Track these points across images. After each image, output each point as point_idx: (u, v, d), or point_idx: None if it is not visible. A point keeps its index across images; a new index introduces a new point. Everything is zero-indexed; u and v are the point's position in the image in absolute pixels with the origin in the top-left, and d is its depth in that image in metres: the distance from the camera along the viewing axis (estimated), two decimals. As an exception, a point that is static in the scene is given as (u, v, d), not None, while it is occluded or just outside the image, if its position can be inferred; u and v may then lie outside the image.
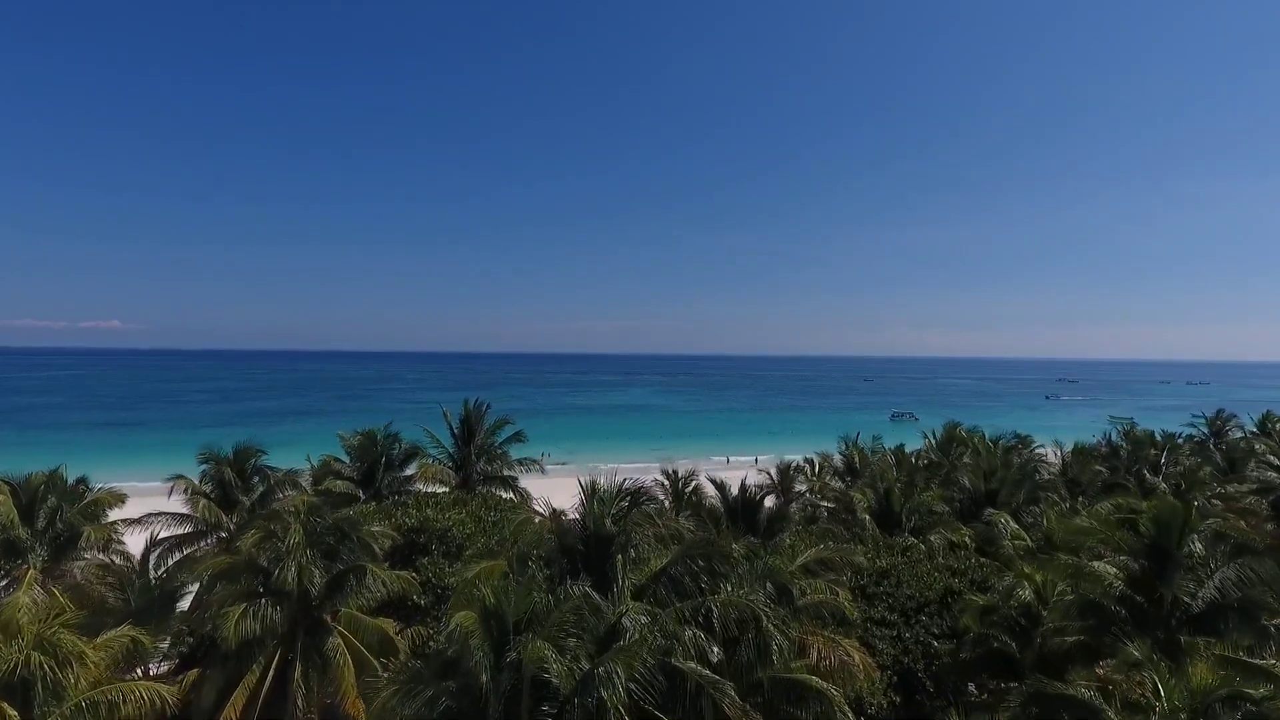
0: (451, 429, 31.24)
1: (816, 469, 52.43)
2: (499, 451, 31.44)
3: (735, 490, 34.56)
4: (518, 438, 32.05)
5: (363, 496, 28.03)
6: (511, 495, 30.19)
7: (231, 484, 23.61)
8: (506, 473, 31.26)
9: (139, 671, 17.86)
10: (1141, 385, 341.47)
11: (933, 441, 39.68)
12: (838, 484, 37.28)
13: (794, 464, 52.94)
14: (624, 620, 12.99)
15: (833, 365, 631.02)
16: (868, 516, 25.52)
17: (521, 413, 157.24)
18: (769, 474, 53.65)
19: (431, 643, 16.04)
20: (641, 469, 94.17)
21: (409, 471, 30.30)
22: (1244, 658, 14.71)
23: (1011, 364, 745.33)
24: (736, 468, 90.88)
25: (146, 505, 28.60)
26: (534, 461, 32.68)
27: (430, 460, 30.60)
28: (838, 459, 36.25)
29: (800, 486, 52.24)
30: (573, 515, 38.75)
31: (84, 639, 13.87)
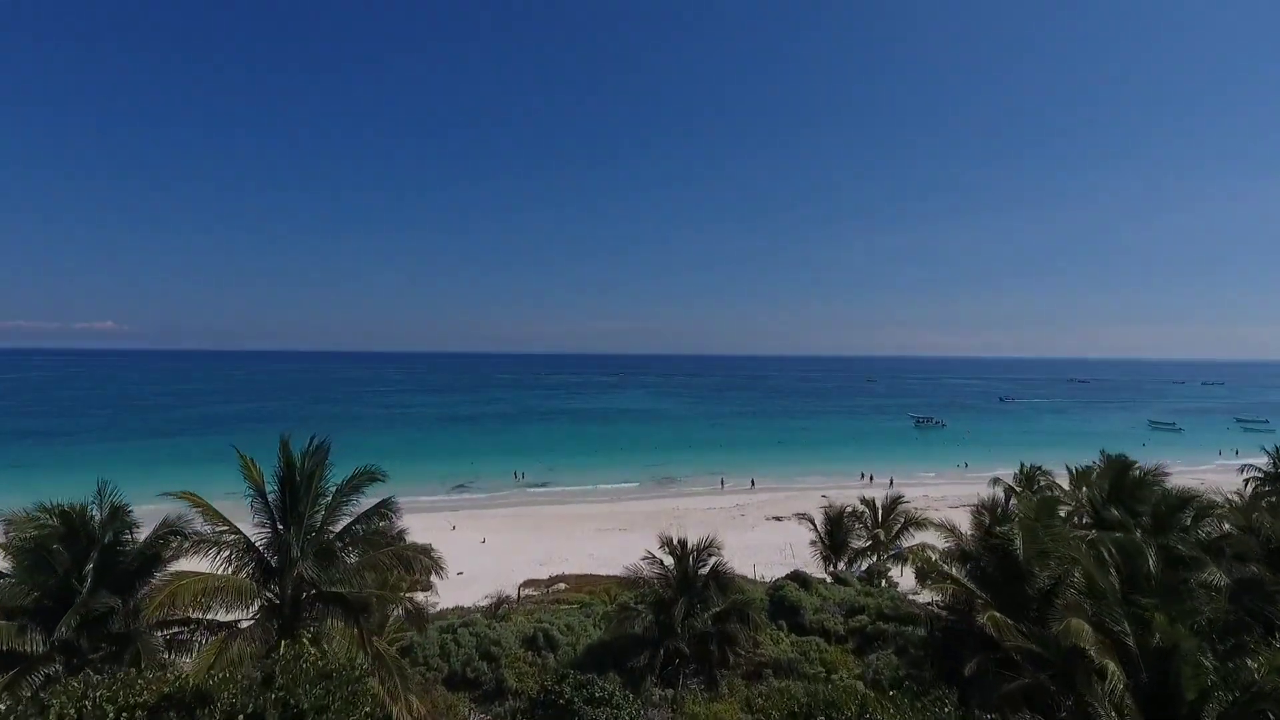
0: (261, 493, 16.45)
1: (880, 513, 37.68)
2: (348, 539, 16.41)
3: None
4: (382, 514, 17.14)
5: (42, 648, 13.38)
6: (364, 638, 14.93)
7: None
8: (360, 587, 15.97)
9: None
10: (1154, 386, 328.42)
11: (1096, 495, 24.88)
12: (948, 547, 22.59)
13: (847, 509, 38.31)
14: None
15: (833, 365, 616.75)
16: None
17: (504, 418, 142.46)
18: (811, 524, 39.24)
19: None
20: (632, 490, 79.77)
21: (163, 575, 15.16)
22: None
23: (1012, 364, 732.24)
24: (732, 492, 75.96)
25: None
26: (422, 553, 17.65)
27: (219, 553, 15.64)
28: (967, 529, 21.48)
29: (858, 541, 37.76)
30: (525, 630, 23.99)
31: None
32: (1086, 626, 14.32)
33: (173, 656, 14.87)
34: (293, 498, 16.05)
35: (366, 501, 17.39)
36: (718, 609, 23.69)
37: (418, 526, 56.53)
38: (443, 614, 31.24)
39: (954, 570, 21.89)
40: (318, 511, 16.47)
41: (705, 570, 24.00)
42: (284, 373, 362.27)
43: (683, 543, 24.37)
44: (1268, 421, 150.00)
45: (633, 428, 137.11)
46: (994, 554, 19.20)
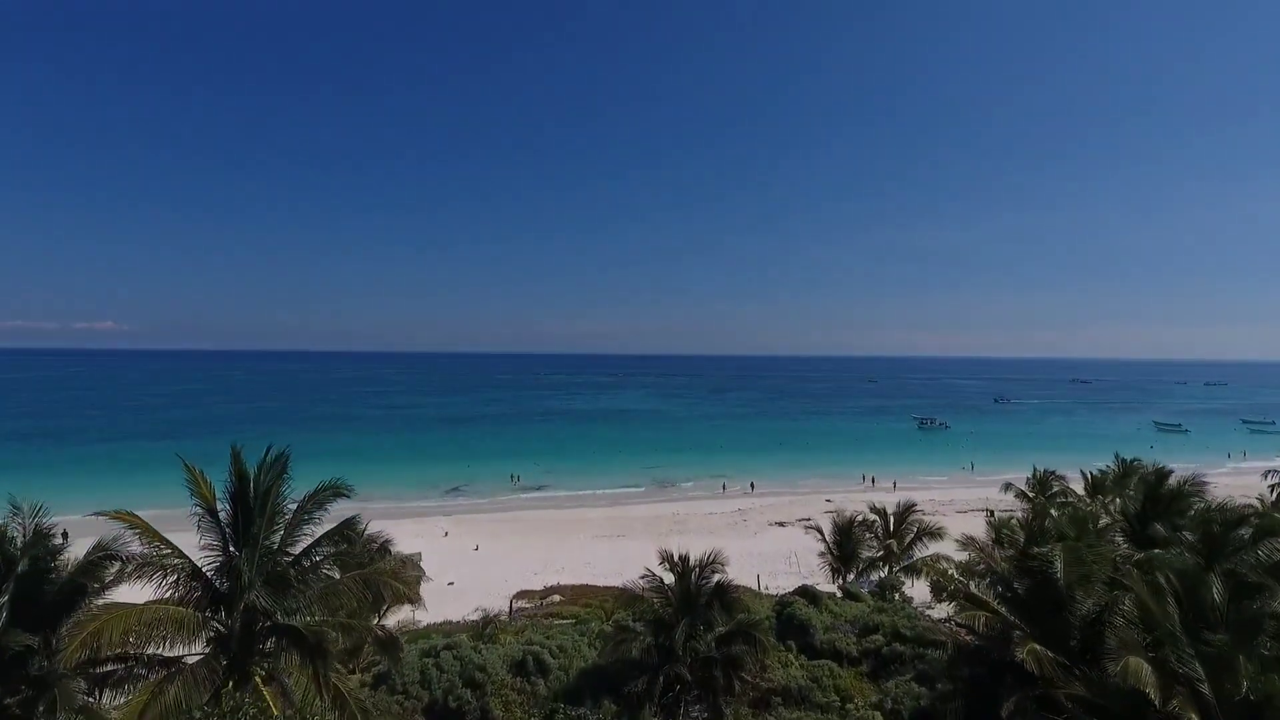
0: (211, 510, 14.73)
1: (891, 522, 35.88)
2: (308, 563, 14.55)
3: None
4: (346, 536, 15.27)
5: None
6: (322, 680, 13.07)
7: None
8: (323, 615, 14.17)
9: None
10: (1157, 386, 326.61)
11: (1130, 507, 22.82)
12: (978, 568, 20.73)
13: (857, 518, 36.52)
14: None
15: (833, 365, 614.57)
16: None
17: (502, 419, 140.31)
18: (819, 533, 37.39)
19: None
20: (631, 494, 77.56)
21: (92, 607, 13.36)
22: None
23: (1013, 364, 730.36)
24: (733, 496, 73.80)
25: None
26: (393, 578, 15.64)
27: (165, 577, 13.88)
28: (982, 536, 19.63)
29: (869, 551, 35.94)
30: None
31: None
32: (1147, 667, 12.53)
33: (104, 699, 13.08)
34: (245, 517, 14.24)
35: (337, 516, 15.59)
36: (722, 630, 21.86)
37: (409, 532, 54.76)
38: (429, 630, 29.47)
39: (974, 587, 20.14)
40: (275, 531, 14.65)
41: (709, 588, 22.20)
42: (284, 373, 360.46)
43: (684, 558, 22.53)
44: (1275, 423, 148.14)
45: (632, 429, 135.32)
46: (1028, 575, 17.40)
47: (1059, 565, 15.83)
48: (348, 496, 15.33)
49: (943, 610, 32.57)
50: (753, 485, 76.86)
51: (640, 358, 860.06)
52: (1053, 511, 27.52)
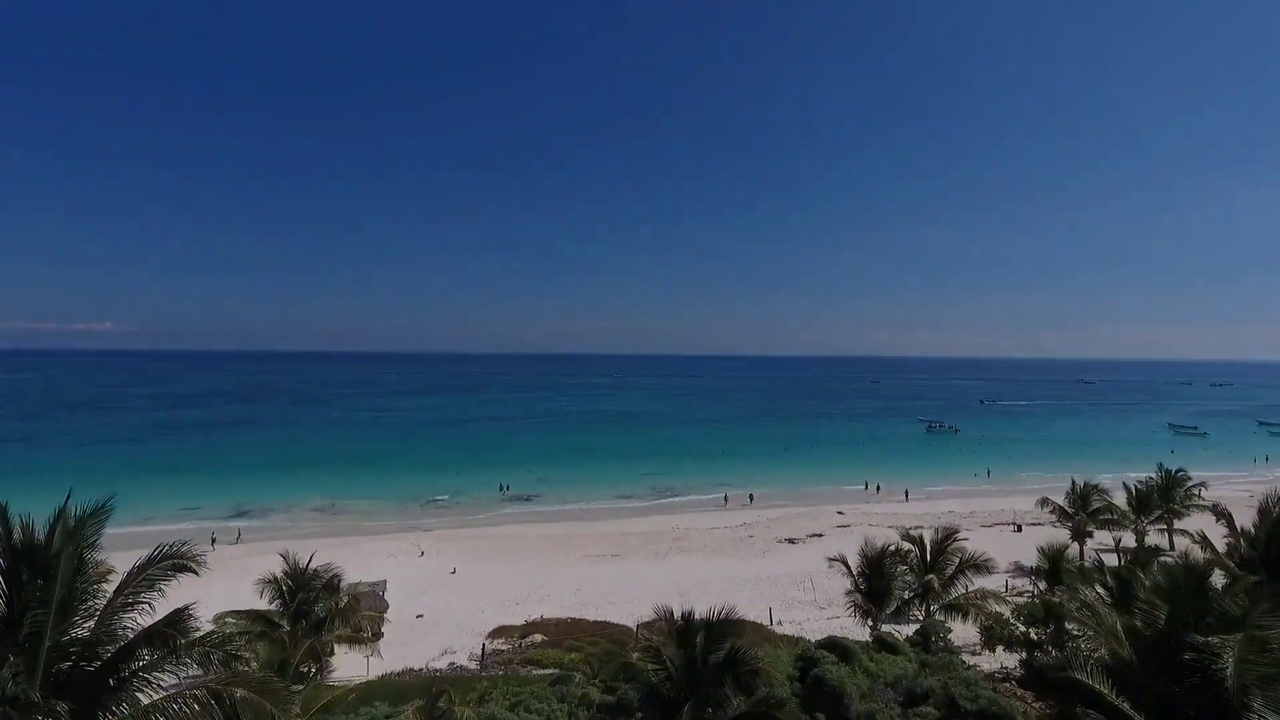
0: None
1: (929, 553, 30.80)
2: (113, 680, 9.90)
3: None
4: (168, 638, 10.49)
5: None
6: None
7: None
8: None
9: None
10: (1161, 386, 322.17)
11: (1255, 550, 18.04)
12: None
13: (889, 547, 31.26)
14: None
15: (833, 366, 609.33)
16: None
17: (494, 423, 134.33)
18: (844, 566, 32.31)
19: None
20: (628, 506, 72.03)
21: None
22: None
23: (1014, 364, 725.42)
24: (736, 508, 67.73)
25: None
26: (258, 682, 10.84)
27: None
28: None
29: (903, 590, 30.95)
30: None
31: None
32: None
33: None
34: (20, 602, 9.38)
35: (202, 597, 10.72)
36: (738, 711, 17.03)
37: (383, 551, 49.63)
38: (377, 686, 24.53)
39: (1034, 635, 15.25)
40: (74, 625, 9.79)
41: (719, 657, 17.34)
42: (281, 373, 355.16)
43: (687, 617, 17.63)
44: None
45: (630, 433, 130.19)
46: (1164, 664, 12.53)
47: (1231, 665, 10.97)
48: (194, 571, 10.49)
49: (994, 660, 27.76)
50: (751, 497, 71.62)
51: (641, 358, 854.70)
52: (1214, 558, 22.33)
